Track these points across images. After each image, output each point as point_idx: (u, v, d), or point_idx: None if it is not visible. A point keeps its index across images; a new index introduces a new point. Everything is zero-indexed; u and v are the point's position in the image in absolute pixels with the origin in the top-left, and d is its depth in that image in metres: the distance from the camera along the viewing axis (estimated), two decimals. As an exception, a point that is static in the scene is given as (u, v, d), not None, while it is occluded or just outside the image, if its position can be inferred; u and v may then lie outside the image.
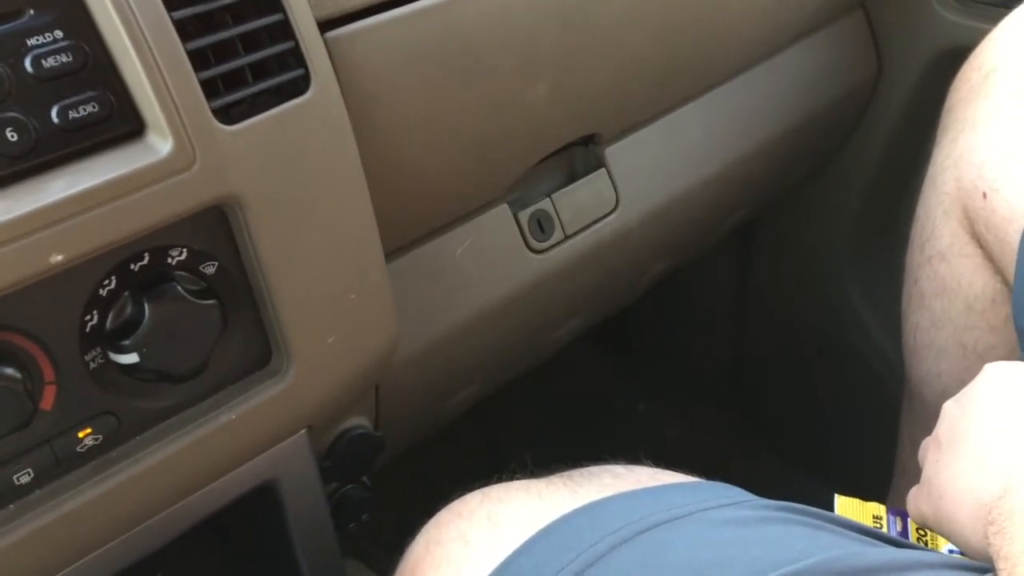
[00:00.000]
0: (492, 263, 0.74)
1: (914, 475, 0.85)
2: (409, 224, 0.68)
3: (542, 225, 0.76)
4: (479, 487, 0.60)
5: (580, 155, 0.80)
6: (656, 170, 0.85)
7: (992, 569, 0.48)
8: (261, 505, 0.62)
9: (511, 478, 0.61)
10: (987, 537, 0.48)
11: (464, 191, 0.71)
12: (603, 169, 0.80)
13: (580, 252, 0.79)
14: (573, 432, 1.26)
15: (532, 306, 0.79)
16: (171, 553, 0.57)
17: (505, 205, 0.75)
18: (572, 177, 0.80)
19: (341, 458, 0.68)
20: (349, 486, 0.70)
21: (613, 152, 0.80)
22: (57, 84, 0.45)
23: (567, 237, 0.78)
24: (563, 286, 0.80)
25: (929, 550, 0.57)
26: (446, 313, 0.73)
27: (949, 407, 0.57)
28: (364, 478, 0.72)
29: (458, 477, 0.68)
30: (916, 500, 0.58)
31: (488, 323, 0.76)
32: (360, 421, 0.69)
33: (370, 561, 0.96)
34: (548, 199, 0.77)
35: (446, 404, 0.84)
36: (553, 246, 0.77)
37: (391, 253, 0.66)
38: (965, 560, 0.52)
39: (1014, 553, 0.45)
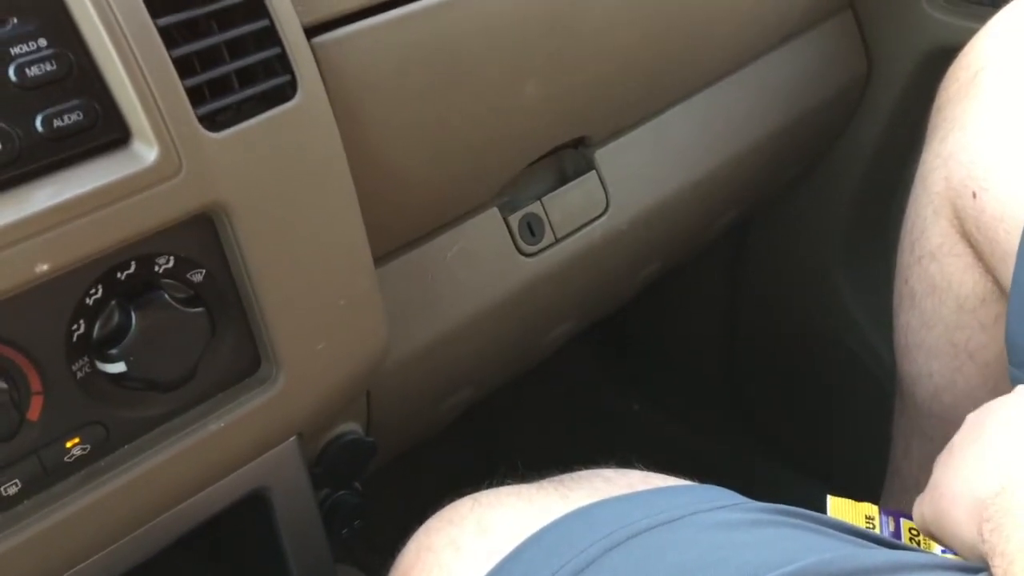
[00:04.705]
0: (482, 267, 0.74)
1: (907, 475, 0.86)
2: (398, 229, 0.68)
3: (532, 228, 0.76)
4: (470, 492, 0.60)
5: (570, 158, 0.80)
6: (646, 172, 0.84)
7: (985, 569, 0.48)
8: (252, 513, 0.61)
9: (502, 483, 0.60)
10: (982, 534, 0.48)
11: (453, 195, 0.71)
12: (593, 171, 0.80)
13: (571, 255, 0.79)
14: (566, 436, 1.26)
15: (523, 309, 0.79)
16: (161, 563, 0.57)
17: (495, 208, 0.74)
18: (562, 180, 0.79)
19: (332, 464, 0.67)
20: (341, 492, 0.70)
21: (603, 154, 0.80)
22: (41, 93, 0.45)
23: (557, 240, 0.78)
24: (554, 289, 0.80)
25: (921, 551, 0.57)
26: (437, 317, 0.72)
27: (970, 418, 0.57)
28: (356, 484, 0.71)
29: (450, 482, 0.68)
30: (920, 504, 0.58)
31: (479, 327, 0.75)
32: (351, 427, 0.69)
33: (363, 565, 0.95)
34: (538, 202, 0.77)
35: (438, 409, 0.84)
36: (543, 249, 0.77)
37: (380, 258, 0.66)
38: (958, 561, 0.52)
39: (1010, 551, 0.45)
